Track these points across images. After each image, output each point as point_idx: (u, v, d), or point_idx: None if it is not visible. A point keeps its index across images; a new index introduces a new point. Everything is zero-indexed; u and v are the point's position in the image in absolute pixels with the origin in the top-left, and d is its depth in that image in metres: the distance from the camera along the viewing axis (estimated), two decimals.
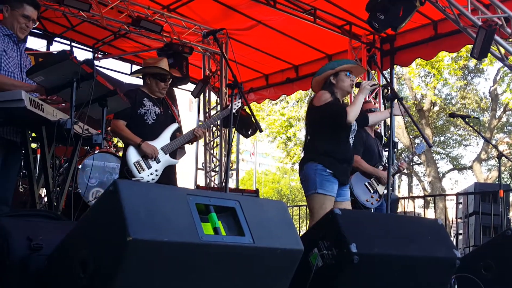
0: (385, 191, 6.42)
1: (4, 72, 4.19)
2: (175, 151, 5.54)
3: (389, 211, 4.76)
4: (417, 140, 23.97)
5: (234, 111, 5.34)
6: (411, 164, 26.00)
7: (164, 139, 5.39)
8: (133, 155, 5.23)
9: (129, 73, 12.65)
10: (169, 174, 5.42)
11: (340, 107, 4.90)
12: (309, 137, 5.17)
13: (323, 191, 4.76)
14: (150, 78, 5.52)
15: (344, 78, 4.97)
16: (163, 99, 5.58)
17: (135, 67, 12.59)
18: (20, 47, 4.43)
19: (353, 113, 4.81)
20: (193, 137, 5.50)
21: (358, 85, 5.08)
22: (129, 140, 5.27)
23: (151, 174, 5.26)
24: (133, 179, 5.13)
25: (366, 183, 6.20)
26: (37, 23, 4.62)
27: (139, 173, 5.20)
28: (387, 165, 6.46)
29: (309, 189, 4.85)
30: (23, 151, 4.39)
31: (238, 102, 5.60)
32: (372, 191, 6.19)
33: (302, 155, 5.25)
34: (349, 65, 5.04)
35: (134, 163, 5.20)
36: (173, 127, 5.49)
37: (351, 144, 5.07)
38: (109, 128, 6.35)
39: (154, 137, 5.34)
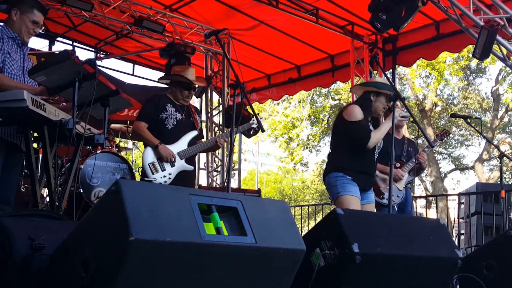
0: (404, 187, 6.43)
1: (7, 74, 4.21)
2: (193, 158, 5.68)
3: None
4: (419, 141, 23.92)
5: (255, 126, 5.84)
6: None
7: (181, 144, 5.54)
8: (149, 156, 5.40)
9: (131, 73, 12.67)
10: (186, 179, 5.55)
11: (365, 130, 5.06)
12: (332, 148, 5.36)
13: (346, 193, 4.96)
14: (175, 86, 5.66)
15: (383, 101, 5.17)
16: (187, 106, 5.73)
17: (137, 67, 12.64)
18: (23, 50, 4.46)
19: (375, 139, 5.04)
20: (213, 145, 5.70)
21: (390, 109, 5.20)
22: (148, 141, 5.45)
23: (164, 176, 5.41)
24: (145, 179, 5.30)
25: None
26: (43, 27, 4.65)
27: (152, 174, 5.36)
28: (405, 162, 6.48)
29: (334, 195, 5.06)
30: (25, 151, 4.39)
31: (254, 121, 5.77)
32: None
33: (325, 165, 5.44)
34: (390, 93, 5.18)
35: (149, 164, 5.37)
36: (192, 134, 5.64)
37: (375, 159, 5.25)
38: (111, 126, 6.35)
39: (172, 142, 5.50)
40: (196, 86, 5.72)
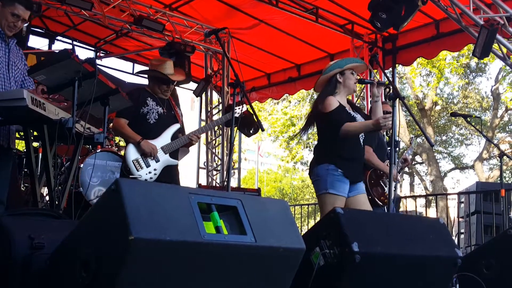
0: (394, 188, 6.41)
1: None
2: (176, 152, 5.53)
3: (393, 210, 4.77)
4: (419, 140, 23.95)
5: (237, 115, 5.45)
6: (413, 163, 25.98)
7: (164, 138, 5.39)
8: (132, 153, 5.23)
9: (131, 72, 12.67)
10: (170, 174, 5.41)
11: (342, 118, 4.95)
12: (319, 140, 5.27)
13: (334, 191, 4.84)
14: (153, 80, 5.54)
15: (350, 76, 5.11)
16: (168, 100, 5.58)
17: (137, 66, 12.61)
18: (9, 43, 4.35)
19: (347, 133, 4.89)
20: (188, 141, 5.52)
21: (361, 81, 5.17)
22: (130, 138, 5.28)
23: (149, 172, 5.26)
24: (130, 176, 5.13)
25: (381, 182, 6.19)
26: (27, 22, 4.57)
27: (137, 171, 5.19)
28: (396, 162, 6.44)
29: (320, 189, 4.92)
30: (7, 148, 4.33)
31: (242, 107, 5.65)
32: (386, 189, 6.15)
33: (312, 156, 5.30)
34: (355, 64, 5.17)
35: (132, 161, 5.21)
36: (175, 127, 5.49)
37: (362, 143, 5.10)
38: (111, 125, 6.35)
39: (155, 136, 5.34)
40: (175, 80, 5.60)
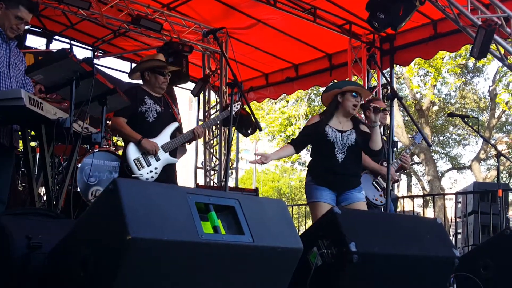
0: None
1: None
2: (175, 150, 5.51)
3: (390, 210, 4.79)
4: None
5: (233, 112, 5.40)
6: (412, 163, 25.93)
7: (164, 137, 5.35)
8: (133, 152, 5.20)
9: (128, 71, 12.64)
10: (169, 172, 5.39)
11: (297, 137, 5.44)
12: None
13: (312, 199, 5.17)
14: (149, 74, 5.49)
15: (350, 98, 5.25)
16: (163, 97, 5.55)
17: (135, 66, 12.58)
18: (10, 44, 4.33)
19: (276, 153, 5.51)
20: (192, 136, 5.49)
21: (363, 106, 5.45)
22: (130, 137, 5.24)
23: (151, 171, 5.23)
24: (132, 175, 5.11)
25: (374, 182, 6.17)
26: (30, 25, 4.56)
27: (139, 170, 5.16)
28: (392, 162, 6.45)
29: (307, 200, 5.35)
30: (8, 147, 4.31)
31: (238, 104, 5.63)
32: (380, 189, 6.14)
33: None
34: (354, 87, 5.33)
35: (134, 160, 5.18)
36: (173, 125, 5.46)
37: (340, 159, 5.23)
38: (108, 122, 6.35)
39: (154, 135, 5.30)
40: (170, 68, 5.57)
